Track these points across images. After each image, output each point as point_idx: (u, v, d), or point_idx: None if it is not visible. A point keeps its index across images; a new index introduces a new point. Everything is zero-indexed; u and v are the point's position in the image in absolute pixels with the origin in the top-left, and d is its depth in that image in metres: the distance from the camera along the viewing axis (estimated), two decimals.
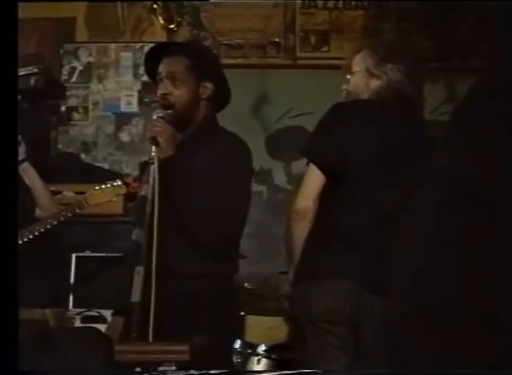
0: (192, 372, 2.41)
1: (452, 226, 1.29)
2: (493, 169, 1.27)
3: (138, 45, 6.12)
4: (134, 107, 6.19)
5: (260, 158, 5.87)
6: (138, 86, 6.18)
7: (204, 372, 2.30)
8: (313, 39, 6.20)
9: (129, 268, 3.18)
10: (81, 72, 6.22)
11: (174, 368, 2.61)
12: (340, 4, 6.19)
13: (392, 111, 3.31)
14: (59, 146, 6.15)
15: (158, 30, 5.94)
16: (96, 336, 2.96)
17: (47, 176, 4.38)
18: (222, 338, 3.19)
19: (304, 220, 3.20)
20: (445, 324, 1.29)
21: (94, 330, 3.26)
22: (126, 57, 6.21)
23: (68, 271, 4.99)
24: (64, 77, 6.20)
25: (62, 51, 6.21)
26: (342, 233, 3.19)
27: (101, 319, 4.54)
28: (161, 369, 2.63)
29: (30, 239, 4.01)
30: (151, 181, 3.08)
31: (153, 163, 3.10)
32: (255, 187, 5.82)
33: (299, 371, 2.61)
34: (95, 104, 6.21)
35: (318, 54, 6.18)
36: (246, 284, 5.04)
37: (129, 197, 4.35)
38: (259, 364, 4.46)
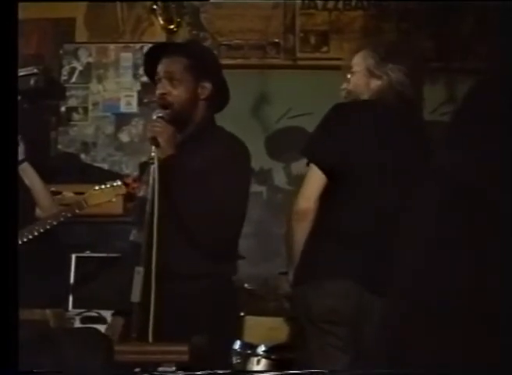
0: (192, 372, 2.41)
1: (452, 227, 1.29)
2: (493, 169, 1.27)
3: (138, 46, 6.12)
4: (134, 107, 6.19)
5: (260, 159, 5.88)
6: (138, 86, 6.18)
7: (203, 372, 2.30)
8: (313, 39, 6.19)
9: (128, 268, 3.18)
10: (81, 72, 6.22)
11: (174, 368, 2.61)
12: (340, 4, 6.18)
13: (392, 111, 3.31)
14: (59, 146, 6.14)
15: (157, 31, 5.94)
16: (96, 336, 2.95)
17: (46, 176, 4.38)
18: (222, 339, 3.19)
19: (304, 221, 3.20)
20: (445, 324, 1.30)
21: (93, 330, 3.25)
22: (126, 57, 6.21)
23: (68, 271, 4.98)
24: (64, 78, 6.19)
25: (61, 52, 6.21)
26: (342, 234, 3.19)
27: (100, 320, 4.53)
28: (160, 369, 2.63)
29: (29, 239, 4.01)
30: (150, 181, 3.09)
31: (153, 163, 3.10)
32: (255, 188, 5.84)
33: (299, 371, 2.61)
34: (95, 104, 6.21)
35: (317, 54, 6.18)
36: (246, 285, 5.04)
37: (129, 197, 4.35)
38: (259, 364, 4.46)
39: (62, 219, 4.12)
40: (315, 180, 3.21)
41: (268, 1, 6.16)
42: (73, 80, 6.22)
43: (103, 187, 4.14)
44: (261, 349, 4.50)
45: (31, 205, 4.18)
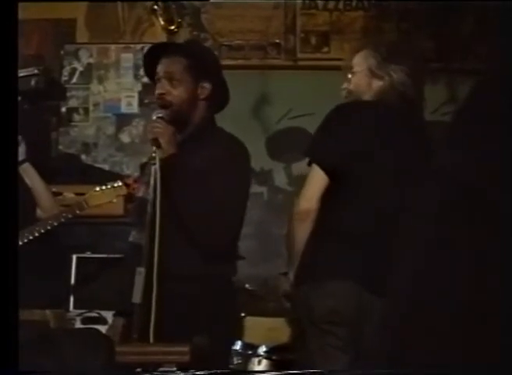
0: (192, 372, 2.41)
1: (453, 227, 1.29)
2: (494, 169, 1.27)
3: (138, 46, 6.12)
4: (135, 108, 6.19)
5: (260, 160, 5.88)
6: (138, 87, 6.18)
7: (203, 372, 2.30)
8: (313, 40, 6.19)
9: (127, 269, 3.19)
10: (81, 73, 6.22)
11: (174, 369, 2.61)
12: (341, 5, 6.18)
13: (394, 112, 3.31)
14: (60, 147, 6.14)
15: (158, 31, 5.93)
16: (97, 337, 2.95)
17: (47, 177, 4.38)
18: (221, 339, 3.19)
19: (306, 221, 3.20)
20: (445, 324, 1.29)
21: (94, 331, 3.25)
22: (127, 58, 6.21)
23: (68, 272, 4.99)
24: (64, 78, 6.19)
25: (62, 52, 6.21)
26: (343, 234, 3.19)
27: (101, 321, 4.54)
28: (161, 369, 2.63)
29: (30, 240, 4.01)
30: (152, 182, 3.09)
31: (154, 164, 3.10)
32: (256, 189, 5.84)
33: (300, 371, 2.61)
34: (96, 105, 6.21)
35: (318, 55, 6.18)
36: (246, 285, 5.04)
37: (130, 198, 4.35)
38: (260, 365, 4.46)
39: (62, 219, 4.11)
40: (317, 180, 3.21)
41: (269, 2, 6.16)
42: (74, 80, 6.22)
43: (104, 187, 4.13)
44: (262, 350, 4.50)
45: (32, 206, 4.18)
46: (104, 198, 4.13)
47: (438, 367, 1.30)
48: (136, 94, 6.19)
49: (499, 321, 1.25)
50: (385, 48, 3.42)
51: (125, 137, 6.17)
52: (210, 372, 2.25)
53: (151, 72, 3.38)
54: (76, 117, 6.19)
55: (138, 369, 2.68)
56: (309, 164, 3.27)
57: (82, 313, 4.76)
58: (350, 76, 3.44)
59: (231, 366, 4.31)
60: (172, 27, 5.73)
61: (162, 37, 5.71)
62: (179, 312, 3.08)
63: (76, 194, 4.83)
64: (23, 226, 3.97)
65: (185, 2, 6.11)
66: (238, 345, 4.53)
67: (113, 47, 6.25)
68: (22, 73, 5.27)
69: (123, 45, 6.24)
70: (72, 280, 4.98)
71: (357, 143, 3.22)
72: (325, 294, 3.12)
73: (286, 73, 6.19)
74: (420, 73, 3.49)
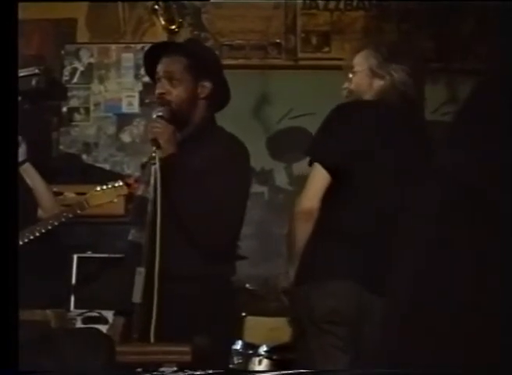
0: (192, 372, 2.41)
1: (453, 227, 1.29)
2: (495, 169, 1.27)
3: (139, 46, 6.11)
4: (135, 108, 6.19)
5: (261, 159, 5.88)
6: (139, 87, 6.18)
7: (203, 372, 2.30)
8: (314, 40, 6.19)
9: (127, 268, 3.19)
10: (82, 73, 6.22)
11: (175, 368, 2.61)
12: (341, 5, 6.18)
13: (395, 111, 3.31)
14: (61, 147, 6.14)
15: (159, 31, 5.94)
16: (97, 337, 2.96)
17: (48, 176, 4.38)
18: (221, 339, 3.19)
19: (308, 221, 3.20)
20: (445, 324, 1.29)
21: (95, 330, 3.25)
22: (127, 58, 6.21)
23: (69, 272, 4.99)
24: (65, 78, 6.20)
25: (63, 52, 6.21)
26: (344, 234, 3.19)
27: (102, 320, 4.54)
28: (161, 369, 2.63)
29: (31, 240, 4.01)
30: (152, 182, 3.09)
31: (154, 164, 3.10)
32: (256, 188, 5.84)
33: (299, 371, 2.61)
34: (96, 105, 6.21)
35: (319, 55, 6.18)
36: (247, 285, 5.04)
37: (131, 198, 4.35)
38: (260, 365, 4.46)
39: (63, 219, 4.11)
40: (319, 179, 3.21)
41: (269, 2, 6.16)
42: (75, 80, 6.22)
43: (104, 187, 4.13)
44: (263, 349, 4.51)
45: (33, 206, 4.18)
46: (105, 197, 4.13)
47: (438, 367, 1.30)
48: (136, 94, 6.19)
49: (499, 321, 1.25)
50: (386, 48, 3.42)
51: (126, 137, 6.18)
52: (210, 372, 2.26)
53: (151, 71, 3.38)
54: (77, 117, 6.20)
55: (139, 369, 2.68)
56: (310, 164, 3.27)
57: (83, 313, 4.77)
58: (350, 75, 3.44)
59: (231, 366, 4.31)
60: (173, 27, 5.73)
61: (163, 37, 5.71)
62: (179, 312, 3.08)
63: (77, 193, 4.83)
64: (23, 226, 3.97)
65: (186, 2, 6.11)
66: (239, 345, 4.53)
67: (114, 47, 6.25)
68: (22, 72, 5.27)
69: (124, 45, 6.24)
70: (73, 280, 4.98)
71: (357, 142, 3.22)
72: (325, 294, 3.12)
73: (286, 72, 6.19)
74: (420, 73, 3.49)
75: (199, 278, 3.17)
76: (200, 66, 3.32)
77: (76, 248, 5.08)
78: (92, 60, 6.23)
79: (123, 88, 6.22)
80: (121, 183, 4.13)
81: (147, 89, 5.94)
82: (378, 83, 3.37)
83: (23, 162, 4.12)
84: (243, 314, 4.75)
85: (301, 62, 6.20)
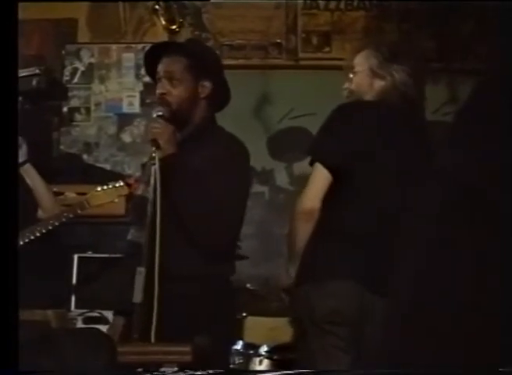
0: (192, 372, 2.41)
1: (454, 227, 1.29)
2: (495, 169, 1.27)
3: (140, 46, 6.11)
4: (136, 108, 6.19)
5: (262, 159, 5.88)
6: (140, 87, 6.18)
7: (204, 372, 2.30)
8: (315, 40, 6.19)
9: (126, 268, 3.19)
10: (83, 73, 6.22)
11: (176, 368, 2.61)
12: (342, 5, 6.18)
13: (396, 112, 3.31)
14: (61, 147, 6.15)
15: (159, 31, 5.94)
16: (98, 337, 2.95)
17: (49, 177, 4.38)
18: (221, 339, 3.18)
19: (309, 221, 3.20)
20: (445, 324, 1.29)
21: (96, 331, 3.25)
22: (128, 58, 6.21)
23: (70, 272, 4.99)
24: (66, 78, 6.20)
25: (63, 52, 6.21)
26: (345, 234, 3.19)
27: (103, 320, 4.54)
28: (162, 369, 2.63)
29: (31, 240, 4.00)
30: (152, 182, 3.09)
31: (154, 164, 3.10)
32: (257, 188, 5.84)
33: (300, 371, 2.61)
34: (97, 105, 6.21)
35: (319, 55, 6.18)
36: (247, 285, 5.04)
37: (131, 198, 4.35)
38: (261, 365, 4.47)
39: (64, 219, 4.11)
40: (320, 179, 3.21)
41: (270, 2, 6.16)
42: (75, 80, 6.22)
43: (105, 187, 4.13)
44: (264, 349, 4.51)
45: (33, 206, 4.18)
46: (106, 197, 4.13)
47: (438, 367, 1.30)
48: (137, 94, 6.19)
49: (500, 321, 1.25)
50: (386, 48, 3.42)
51: (126, 137, 6.18)
52: (211, 372, 2.26)
53: (151, 71, 3.38)
54: (78, 117, 6.20)
55: (139, 369, 2.68)
56: (311, 164, 3.26)
57: (83, 313, 4.77)
58: (351, 75, 3.44)
59: (232, 366, 4.31)
60: (174, 27, 5.73)
61: (164, 37, 5.71)
62: (179, 312, 3.08)
63: (78, 193, 4.83)
64: (24, 226, 3.97)
65: (186, 2, 6.11)
66: (239, 345, 4.53)
67: (114, 47, 6.25)
68: (23, 73, 5.27)
69: (125, 45, 6.24)
70: (74, 280, 4.99)
71: (358, 143, 3.22)
72: (326, 294, 3.12)
73: (287, 72, 6.19)
74: (421, 73, 3.49)
75: (199, 278, 3.17)
76: (201, 66, 3.32)
77: (77, 248, 5.09)
78: (93, 60, 6.24)
79: (124, 88, 6.22)
80: (122, 184, 4.13)
81: (148, 89, 5.95)
82: (378, 84, 3.37)
83: (24, 162, 4.12)
84: (244, 314, 4.75)
85: (302, 62, 6.20)
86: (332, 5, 6.19)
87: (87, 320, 4.73)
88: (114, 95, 6.22)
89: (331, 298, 3.10)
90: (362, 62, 3.42)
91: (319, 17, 6.19)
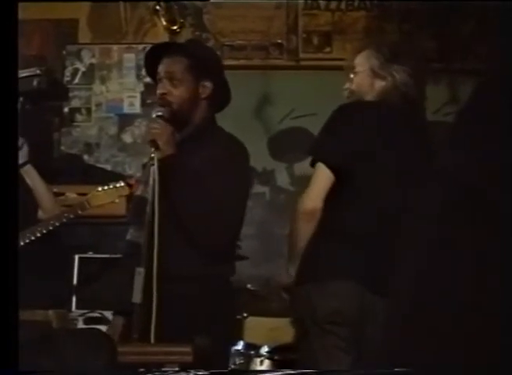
0: (193, 372, 2.41)
1: (454, 227, 1.29)
2: (496, 169, 1.27)
3: (141, 47, 6.11)
4: (137, 108, 6.19)
5: (262, 160, 5.88)
6: (141, 87, 6.18)
7: (204, 372, 2.30)
8: (315, 40, 6.19)
9: (125, 268, 3.19)
10: (84, 73, 6.22)
11: (177, 369, 2.61)
12: (343, 5, 6.18)
13: (396, 112, 3.31)
14: (62, 147, 6.15)
15: (160, 32, 5.94)
16: (99, 337, 2.95)
17: (49, 177, 4.38)
18: (220, 339, 3.18)
19: (311, 221, 3.20)
20: (446, 324, 1.29)
21: (96, 331, 3.25)
22: (129, 58, 6.21)
23: (71, 272, 4.99)
24: (67, 79, 6.20)
25: (64, 53, 6.21)
26: (346, 234, 3.19)
27: (103, 321, 4.54)
28: (164, 369, 2.63)
29: (32, 240, 4.00)
30: (150, 182, 3.09)
31: (153, 165, 3.10)
32: (258, 188, 5.84)
33: (301, 371, 2.61)
34: (98, 105, 6.21)
35: (320, 55, 6.18)
36: (248, 285, 5.04)
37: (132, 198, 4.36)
38: (262, 365, 4.47)
39: (64, 220, 4.11)
40: (322, 179, 3.21)
41: (271, 2, 6.16)
42: (76, 81, 6.22)
43: (106, 188, 4.13)
44: (265, 350, 4.51)
45: (34, 207, 4.18)
46: (107, 198, 4.13)
47: (438, 367, 1.30)
48: (138, 95, 6.19)
49: (500, 321, 1.25)
50: (387, 49, 3.42)
51: (127, 138, 6.18)
52: (210, 371, 2.26)
53: (152, 72, 3.38)
54: (79, 117, 6.20)
55: (141, 370, 2.68)
56: (312, 164, 3.26)
57: (84, 313, 4.77)
58: (352, 76, 3.44)
59: (233, 367, 4.31)
60: (175, 28, 5.73)
61: (164, 38, 5.71)
62: (178, 313, 3.08)
63: (79, 194, 4.83)
64: (25, 226, 3.97)
65: (187, 3, 6.11)
66: (240, 345, 4.53)
67: (115, 47, 6.25)
68: (24, 73, 5.28)
69: (125, 46, 6.24)
70: (75, 281, 4.99)
71: (359, 143, 3.22)
72: (327, 295, 3.12)
73: (288, 73, 6.19)
74: (422, 74, 3.49)
75: (198, 278, 3.16)
76: (201, 67, 3.32)
77: (78, 249, 5.09)
78: (94, 61, 6.24)
79: (125, 89, 6.23)
80: (122, 184, 4.13)
81: (149, 89, 5.95)
82: (379, 84, 3.37)
83: (25, 163, 4.12)
84: (245, 314, 4.75)
85: (303, 63, 6.20)
86: (333, 5, 6.19)
87: (87, 321, 4.73)
88: (115, 96, 6.22)
89: (332, 299, 3.10)
90: (363, 63, 3.42)
91: (320, 17, 6.19)
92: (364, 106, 3.38)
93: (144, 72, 5.75)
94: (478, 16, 5.46)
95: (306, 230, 3.22)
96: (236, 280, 3.48)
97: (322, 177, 3.20)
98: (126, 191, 4.13)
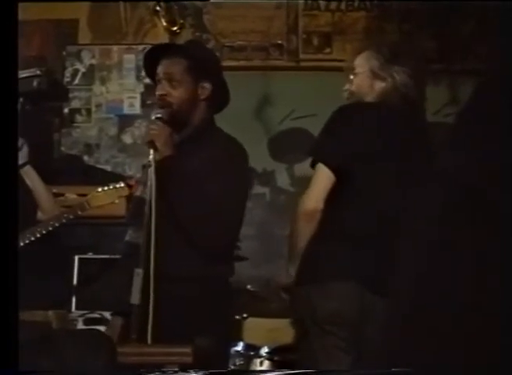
0: (192, 372, 2.41)
1: (454, 228, 1.29)
2: (496, 170, 1.27)
3: (141, 47, 6.11)
4: (137, 109, 6.19)
5: (262, 160, 5.88)
6: (141, 88, 6.18)
7: (204, 372, 2.30)
8: (316, 41, 6.19)
9: (124, 269, 3.19)
10: (84, 74, 6.23)
11: (177, 369, 2.61)
12: (343, 5, 6.18)
13: (397, 113, 3.31)
14: (62, 148, 6.15)
15: (160, 32, 5.94)
16: (99, 338, 2.95)
17: (49, 178, 4.38)
18: (219, 340, 3.18)
19: (312, 221, 3.20)
20: (446, 325, 1.29)
21: (96, 332, 3.25)
22: (129, 59, 6.21)
23: (70, 273, 4.99)
24: (67, 79, 6.20)
25: (64, 53, 6.21)
26: (346, 235, 3.19)
27: (103, 321, 4.53)
28: (164, 370, 2.63)
29: (32, 241, 4.00)
30: (148, 184, 3.10)
31: (150, 166, 3.11)
32: (258, 189, 5.85)
33: (300, 371, 2.61)
34: (98, 106, 6.22)
35: (320, 56, 6.18)
36: (248, 286, 5.04)
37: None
38: (262, 366, 4.47)
39: (64, 220, 4.11)
40: (322, 180, 3.21)
41: (271, 2, 6.16)
42: (76, 81, 6.23)
43: (106, 188, 4.13)
44: (264, 351, 4.51)
45: (34, 207, 4.18)
46: (107, 198, 4.13)
47: (438, 367, 1.30)
48: (138, 95, 6.19)
49: (500, 321, 1.25)
50: (387, 50, 3.42)
51: (127, 138, 6.18)
52: (210, 371, 2.25)
53: (151, 73, 3.38)
54: (79, 118, 6.20)
55: (141, 370, 2.68)
56: (312, 165, 3.26)
57: (84, 314, 4.77)
58: (351, 77, 3.44)
59: (233, 367, 4.31)
60: (175, 28, 5.73)
61: (164, 38, 5.71)
62: (177, 313, 3.08)
63: (78, 195, 4.83)
64: (24, 227, 3.97)
65: (187, 3, 6.11)
66: (240, 346, 4.54)
67: (115, 48, 6.25)
68: (24, 74, 5.28)
69: (126, 46, 6.25)
70: (75, 281, 4.99)
71: (359, 144, 3.22)
72: (327, 295, 3.12)
73: (288, 73, 6.19)
74: (422, 75, 3.49)
75: (198, 279, 3.16)
76: (200, 68, 3.32)
77: (78, 249, 5.09)
78: (94, 61, 6.24)
79: (125, 89, 6.23)
80: (122, 185, 4.13)
81: (149, 90, 5.94)
82: (379, 85, 3.37)
83: (24, 164, 4.11)
84: (245, 315, 4.75)
85: (303, 64, 6.20)
86: (333, 5, 6.19)
87: (87, 321, 4.73)
88: (115, 96, 6.22)
89: (332, 299, 3.10)
90: (363, 64, 3.42)
91: (320, 18, 6.19)
92: (364, 107, 3.38)
93: (143, 73, 5.75)
94: (478, 16, 5.46)
95: (306, 231, 3.22)
96: (236, 281, 3.48)
97: (323, 178, 3.21)
98: (126, 192, 4.13)
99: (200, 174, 3.16)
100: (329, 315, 3.10)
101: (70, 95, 6.18)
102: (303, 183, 3.39)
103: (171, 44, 4.50)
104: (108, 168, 6.08)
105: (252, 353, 4.52)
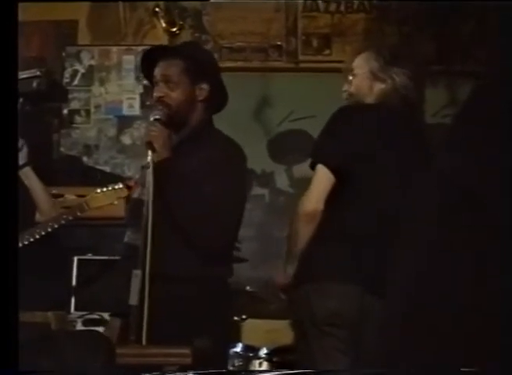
0: (191, 373, 2.41)
1: (453, 229, 1.29)
2: (493, 172, 1.27)
3: (140, 48, 6.10)
4: (136, 110, 6.19)
5: (262, 162, 5.88)
6: (140, 89, 6.18)
7: (204, 372, 2.30)
8: (315, 42, 6.19)
9: (123, 270, 3.19)
10: (83, 75, 6.22)
11: (177, 370, 2.61)
12: (342, 7, 6.18)
13: (396, 115, 3.31)
14: (61, 149, 6.15)
15: (159, 33, 5.94)
16: (98, 339, 2.95)
17: (49, 179, 4.38)
18: (218, 341, 3.18)
19: (312, 222, 3.20)
20: (445, 325, 1.29)
21: (95, 333, 3.25)
22: (128, 60, 6.21)
23: (70, 274, 4.99)
24: (66, 80, 6.20)
25: (64, 54, 6.21)
26: (345, 236, 3.19)
27: (102, 322, 4.53)
28: (164, 370, 2.63)
29: (31, 242, 4.00)
30: (146, 185, 3.10)
31: (148, 167, 3.11)
32: (257, 191, 5.85)
33: (298, 371, 2.61)
34: (97, 107, 6.21)
35: (319, 57, 6.18)
36: (247, 287, 5.04)
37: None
38: (261, 367, 4.46)
39: (63, 221, 4.10)
40: (322, 181, 3.21)
41: (270, 3, 6.16)
42: (76, 82, 6.23)
43: (105, 189, 4.13)
44: (263, 352, 4.50)
45: (31, 209, 4.18)
46: (106, 199, 4.12)
47: (438, 367, 1.30)
48: (137, 96, 6.19)
49: (500, 322, 1.25)
50: (387, 51, 3.42)
51: (126, 139, 6.18)
52: (210, 371, 2.26)
53: (149, 75, 3.39)
54: (78, 119, 6.20)
55: (141, 372, 2.68)
56: (312, 166, 3.26)
57: (83, 315, 4.77)
58: (350, 78, 3.44)
59: (232, 368, 4.31)
60: (174, 29, 5.73)
61: (164, 40, 5.72)
62: (176, 314, 3.08)
63: (78, 195, 4.83)
64: (23, 228, 3.97)
65: (186, 4, 6.11)
66: (239, 347, 4.53)
67: (115, 49, 6.25)
68: (23, 74, 5.28)
69: (125, 47, 6.24)
70: (74, 282, 4.99)
71: (359, 145, 3.22)
72: (326, 296, 3.12)
73: (287, 75, 6.19)
74: (421, 76, 3.50)
75: (196, 280, 3.16)
76: (198, 69, 3.32)
77: (77, 250, 5.09)
78: (93, 62, 6.24)
79: (124, 90, 6.23)
80: (121, 186, 4.12)
81: (148, 91, 5.93)
82: (379, 87, 3.37)
83: (24, 165, 4.11)
84: (244, 316, 4.75)
85: (302, 65, 6.20)
86: (332, 7, 6.19)
87: (86, 322, 4.73)
88: (114, 97, 6.22)
89: (331, 300, 3.11)
90: (362, 65, 3.42)
91: (319, 19, 6.19)
92: (364, 108, 3.39)
93: None
94: (478, 17, 5.46)
95: (306, 232, 3.22)
96: (235, 282, 3.47)
97: (323, 179, 3.21)
98: (125, 193, 4.13)
99: (199, 175, 3.16)
100: (328, 316, 3.10)
101: (69, 96, 6.18)
102: (302, 185, 3.40)
103: (168, 46, 4.51)
104: (107, 169, 6.07)
105: (251, 354, 4.52)
